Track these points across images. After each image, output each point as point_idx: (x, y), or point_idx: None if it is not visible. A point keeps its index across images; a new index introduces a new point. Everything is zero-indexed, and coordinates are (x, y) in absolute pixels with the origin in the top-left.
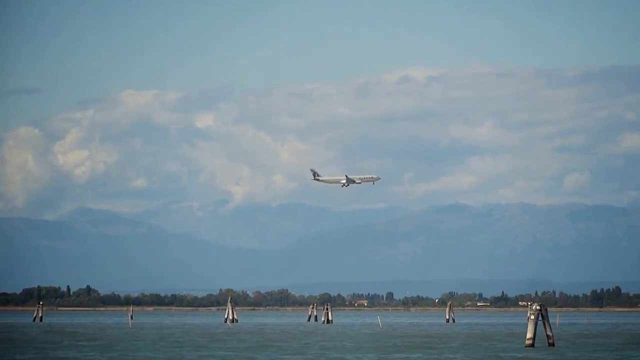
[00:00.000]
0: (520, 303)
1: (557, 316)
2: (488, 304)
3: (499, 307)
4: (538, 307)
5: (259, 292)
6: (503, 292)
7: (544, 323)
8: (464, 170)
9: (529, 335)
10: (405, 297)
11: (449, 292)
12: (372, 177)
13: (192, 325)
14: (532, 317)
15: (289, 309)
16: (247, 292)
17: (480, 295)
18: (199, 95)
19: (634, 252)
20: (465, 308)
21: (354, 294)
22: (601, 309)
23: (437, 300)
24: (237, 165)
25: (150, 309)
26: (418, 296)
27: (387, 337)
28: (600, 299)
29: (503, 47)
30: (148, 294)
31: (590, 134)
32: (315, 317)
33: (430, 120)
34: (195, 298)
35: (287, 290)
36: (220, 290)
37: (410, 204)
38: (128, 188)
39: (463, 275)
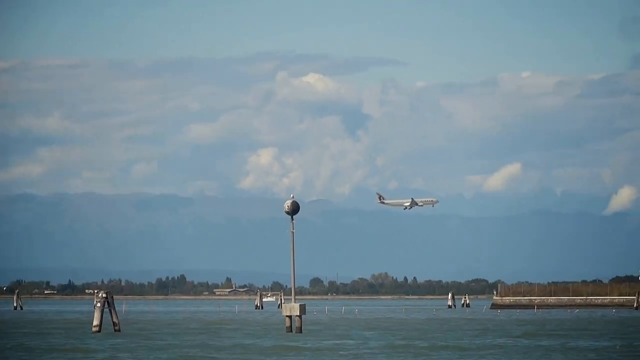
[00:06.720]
0: (87, 291)
1: (123, 304)
2: (55, 292)
3: (67, 295)
4: (104, 295)
5: None
6: (70, 280)
7: (110, 310)
8: (33, 160)
9: (96, 322)
10: None
11: (17, 281)
12: (432, 200)
13: None
14: (99, 304)
15: None
16: None
17: (48, 283)
18: None
19: (198, 241)
20: (33, 296)
21: None
22: (167, 297)
23: (5, 289)
24: None
25: None
26: None
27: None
28: (166, 287)
29: (76, 39)
30: None
31: (159, 125)
32: None
33: (0, 111)
34: None
35: None
36: None
37: None
38: None
39: (31, 264)
